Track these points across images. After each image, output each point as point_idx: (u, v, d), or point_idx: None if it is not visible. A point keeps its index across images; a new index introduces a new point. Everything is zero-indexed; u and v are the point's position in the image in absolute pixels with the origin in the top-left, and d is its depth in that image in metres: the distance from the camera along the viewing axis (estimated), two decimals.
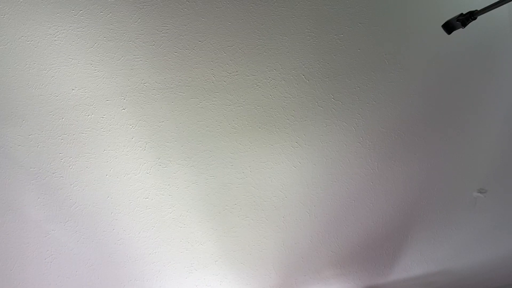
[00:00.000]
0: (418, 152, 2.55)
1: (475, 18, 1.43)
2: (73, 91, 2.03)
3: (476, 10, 1.41)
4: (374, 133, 2.43)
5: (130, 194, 2.35)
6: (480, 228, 2.98)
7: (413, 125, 2.44)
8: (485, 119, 2.52)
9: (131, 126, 2.16)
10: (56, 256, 2.47)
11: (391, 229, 2.84)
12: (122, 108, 2.11)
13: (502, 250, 3.16)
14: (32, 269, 2.48)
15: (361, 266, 2.98)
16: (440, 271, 3.20)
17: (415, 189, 2.69)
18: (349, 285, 3.09)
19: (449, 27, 1.56)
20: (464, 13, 1.47)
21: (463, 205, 2.83)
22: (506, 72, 2.39)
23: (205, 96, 2.15)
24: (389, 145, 2.48)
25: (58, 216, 2.34)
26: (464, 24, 1.47)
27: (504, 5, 1.27)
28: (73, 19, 1.87)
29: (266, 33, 2.05)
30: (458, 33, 1.62)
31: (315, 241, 2.74)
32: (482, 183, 2.76)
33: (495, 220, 2.96)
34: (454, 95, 2.40)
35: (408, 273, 3.15)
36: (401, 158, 2.55)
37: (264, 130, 2.29)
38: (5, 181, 2.19)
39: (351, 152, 2.46)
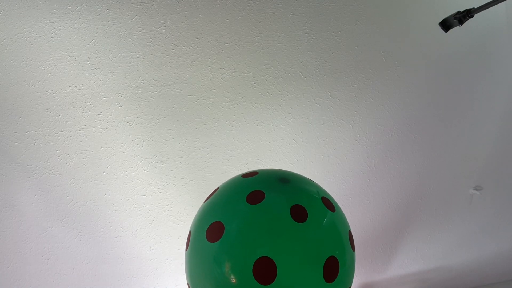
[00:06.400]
0: (415, 150, 2.56)
1: (472, 16, 1.43)
2: (70, 88, 2.02)
3: (473, 8, 1.42)
4: (371, 131, 2.43)
5: (127, 191, 2.35)
6: (476, 225, 3.00)
7: (410, 123, 2.45)
8: (482, 116, 2.53)
9: (128, 123, 2.15)
10: (54, 253, 2.46)
11: (388, 226, 2.85)
12: (119, 105, 2.10)
13: (497, 247, 3.18)
14: (29, 266, 2.48)
15: (357, 262, 2.99)
16: (436, 268, 3.22)
17: (411, 186, 2.71)
18: None
19: (446, 25, 1.56)
20: (461, 10, 1.47)
21: (459, 202, 2.85)
22: (503, 69, 2.40)
23: (202, 93, 2.14)
24: (386, 143, 2.49)
25: (55, 213, 2.33)
26: (461, 22, 1.48)
27: (501, 3, 1.27)
28: (70, 16, 1.86)
29: (263, 30, 2.05)
30: (455, 30, 1.62)
31: None
32: (478, 181, 2.77)
33: (491, 217, 2.98)
34: (451, 92, 2.41)
35: (405, 270, 3.17)
36: (398, 156, 2.55)
37: (261, 128, 2.30)
38: (2, 178, 2.19)
39: (348, 150, 2.47)
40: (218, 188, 1.30)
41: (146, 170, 2.30)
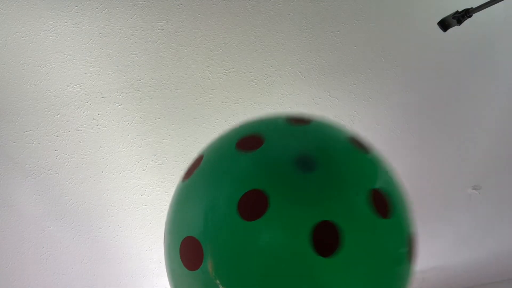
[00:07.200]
0: (414, 149, 2.56)
1: (470, 16, 1.43)
2: (68, 87, 2.02)
3: (472, 7, 1.42)
4: (370, 130, 2.43)
5: (126, 191, 2.34)
6: (474, 225, 3.00)
7: (408, 122, 2.45)
8: (481, 116, 2.53)
9: (127, 123, 2.15)
10: (52, 253, 2.46)
11: None
12: (118, 104, 2.10)
13: (496, 246, 3.19)
14: (28, 266, 2.47)
15: None
16: (435, 267, 3.22)
17: (411, 186, 2.70)
18: None
19: (444, 24, 1.56)
20: (459, 10, 1.47)
21: (458, 201, 2.85)
22: (502, 69, 2.40)
23: (201, 93, 2.14)
24: (384, 142, 2.49)
25: (53, 213, 2.33)
26: (459, 22, 1.48)
27: (500, 3, 1.27)
28: (69, 15, 1.85)
29: (262, 29, 2.04)
30: (454, 30, 1.62)
31: None
32: (476, 180, 2.78)
33: (490, 216, 2.98)
34: (450, 92, 2.41)
35: None
36: (396, 155, 2.55)
37: None
38: (0, 178, 2.18)
39: None
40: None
41: (145, 170, 2.30)
